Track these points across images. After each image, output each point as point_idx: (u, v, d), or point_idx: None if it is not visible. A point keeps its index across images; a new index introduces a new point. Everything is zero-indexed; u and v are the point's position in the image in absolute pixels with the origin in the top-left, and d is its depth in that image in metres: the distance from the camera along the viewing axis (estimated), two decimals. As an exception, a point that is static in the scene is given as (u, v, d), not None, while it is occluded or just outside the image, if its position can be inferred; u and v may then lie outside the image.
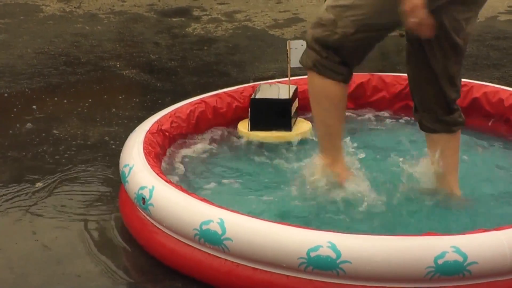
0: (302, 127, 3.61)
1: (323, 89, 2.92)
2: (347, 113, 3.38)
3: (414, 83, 3.02)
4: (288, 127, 3.54)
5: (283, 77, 3.96)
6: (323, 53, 2.89)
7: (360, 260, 2.47)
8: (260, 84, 3.72)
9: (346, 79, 2.93)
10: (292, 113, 3.58)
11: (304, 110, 3.65)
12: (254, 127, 3.54)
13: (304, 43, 3.24)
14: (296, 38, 5.29)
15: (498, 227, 2.57)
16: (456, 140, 3.03)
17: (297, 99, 3.65)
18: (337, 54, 2.89)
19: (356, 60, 2.93)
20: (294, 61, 3.47)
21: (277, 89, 3.64)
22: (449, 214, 2.95)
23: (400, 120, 3.73)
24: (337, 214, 2.91)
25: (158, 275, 2.76)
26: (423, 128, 3.04)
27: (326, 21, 2.88)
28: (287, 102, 3.54)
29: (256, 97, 3.59)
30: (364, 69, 4.40)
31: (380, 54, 5.13)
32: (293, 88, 3.63)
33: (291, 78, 3.64)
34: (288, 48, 3.52)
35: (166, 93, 4.36)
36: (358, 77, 3.81)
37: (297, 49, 3.48)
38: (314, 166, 3.05)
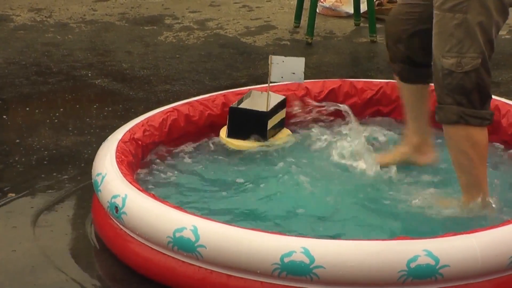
0: (281, 136, 3.60)
1: (471, 138, 2.95)
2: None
3: (412, 38, 3.19)
4: (264, 138, 3.54)
5: (255, 84, 3.97)
6: (464, 100, 2.91)
7: (333, 265, 2.49)
8: (251, 89, 3.70)
9: (491, 122, 3.01)
10: (274, 124, 3.57)
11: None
12: (230, 134, 3.55)
13: (285, 59, 3.45)
14: (268, 45, 5.31)
15: (469, 231, 2.60)
16: (428, 92, 3.28)
17: (284, 109, 3.63)
18: (475, 96, 2.92)
19: (490, 89, 2.99)
20: (275, 76, 3.53)
21: (265, 99, 3.59)
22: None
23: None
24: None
25: (132, 284, 2.75)
26: (404, 78, 3.26)
27: (449, 66, 2.90)
28: (265, 115, 3.53)
29: (239, 105, 3.58)
30: (335, 76, 4.44)
31: (351, 60, 5.16)
32: (279, 98, 3.63)
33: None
34: (269, 63, 3.53)
35: (139, 101, 4.36)
36: (330, 83, 3.83)
37: (278, 64, 3.52)
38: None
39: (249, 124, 3.54)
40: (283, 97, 3.66)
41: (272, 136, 3.59)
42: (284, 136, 3.61)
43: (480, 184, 2.99)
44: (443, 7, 2.89)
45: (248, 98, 3.66)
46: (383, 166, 3.27)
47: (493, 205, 2.99)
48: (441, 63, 2.90)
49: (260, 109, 3.56)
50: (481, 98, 2.93)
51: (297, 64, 3.54)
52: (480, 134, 2.94)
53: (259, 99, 3.65)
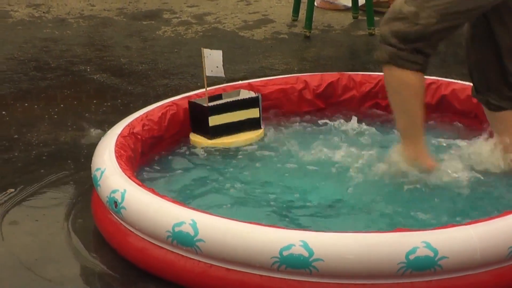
0: (246, 137, 3.52)
1: (402, 79, 2.98)
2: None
3: (478, 66, 3.17)
4: (206, 135, 3.47)
5: (253, 78, 3.97)
6: (401, 45, 2.94)
7: (333, 258, 2.49)
8: (241, 90, 3.65)
9: (424, 68, 3.00)
10: (225, 123, 3.48)
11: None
12: (193, 129, 3.54)
13: (215, 52, 3.39)
14: (266, 39, 5.31)
15: (467, 222, 2.60)
16: None
17: (254, 109, 3.55)
18: (415, 45, 2.93)
19: (433, 49, 2.99)
20: (208, 69, 3.46)
21: (237, 95, 3.58)
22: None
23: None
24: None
25: (131, 278, 2.76)
26: (490, 107, 3.20)
27: (407, 13, 2.92)
28: (206, 110, 3.46)
29: (210, 101, 3.53)
30: (333, 69, 4.44)
31: (349, 53, 5.16)
32: (247, 95, 3.56)
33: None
34: (203, 56, 3.47)
35: (138, 96, 4.36)
36: (328, 76, 3.83)
37: (208, 58, 3.45)
38: (396, 159, 3.11)
39: (198, 119, 3.51)
40: (255, 95, 3.59)
41: (220, 135, 3.48)
42: (253, 136, 3.51)
43: (415, 127, 3.05)
44: None
45: (232, 96, 3.59)
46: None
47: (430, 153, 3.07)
48: (401, 7, 2.94)
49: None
50: (418, 50, 2.96)
51: (218, 57, 3.47)
52: (414, 77, 2.98)
53: (245, 93, 3.60)
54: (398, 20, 2.96)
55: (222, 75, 3.49)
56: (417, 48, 2.96)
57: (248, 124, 3.54)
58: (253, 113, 3.54)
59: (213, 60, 3.46)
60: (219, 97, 3.58)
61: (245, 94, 3.59)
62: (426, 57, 2.99)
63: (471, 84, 3.30)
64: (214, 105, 3.49)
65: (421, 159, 3.08)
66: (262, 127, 3.57)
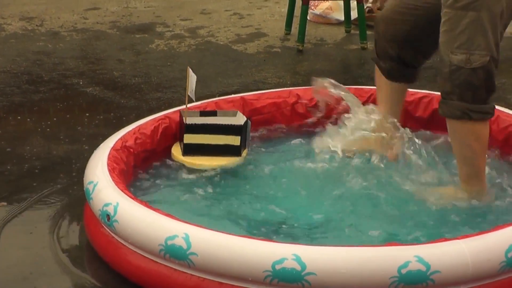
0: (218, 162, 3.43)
1: (474, 132, 3.02)
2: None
3: (413, 36, 3.24)
4: (182, 149, 3.44)
5: (246, 92, 3.98)
6: (468, 96, 2.96)
7: (325, 272, 2.49)
8: (238, 112, 3.58)
9: (491, 115, 3.06)
10: (203, 143, 3.42)
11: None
12: (179, 138, 3.53)
13: (193, 75, 3.40)
14: (259, 52, 5.33)
15: (459, 236, 2.61)
16: (406, 89, 3.37)
17: (238, 136, 3.43)
18: (481, 91, 2.97)
19: (495, 85, 3.04)
20: (190, 89, 3.45)
21: (231, 116, 3.54)
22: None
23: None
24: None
25: (124, 292, 2.76)
26: (390, 76, 3.31)
27: (458, 63, 2.94)
28: (186, 127, 3.44)
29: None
30: (326, 83, 4.45)
31: (342, 67, 5.18)
32: (235, 121, 3.47)
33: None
34: (188, 75, 3.45)
35: (131, 109, 4.36)
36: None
37: (191, 77, 3.45)
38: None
39: (181, 130, 3.48)
40: (241, 122, 3.46)
41: (194, 154, 3.42)
42: (227, 163, 3.41)
43: (480, 175, 3.08)
44: (456, 5, 2.93)
45: (227, 115, 3.55)
46: (349, 153, 3.31)
47: (491, 195, 3.09)
48: (450, 59, 2.95)
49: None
50: (486, 94, 2.99)
51: (194, 80, 3.48)
52: (483, 127, 3.03)
53: (234, 118, 3.53)
54: (454, 72, 2.94)
55: (193, 99, 3.49)
56: (484, 95, 2.97)
57: (226, 149, 3.43)
58: (233, 140, 3.43)
59: (191, 82, 3.47)
60: (213, 113, 3.56)
61: (239, 118, 3.52)
62: (491, 102, 3.01)
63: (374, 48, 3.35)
64: (192, 124, 3.44)
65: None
66: (242, 154, 3.44)
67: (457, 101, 2.97)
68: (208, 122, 3.46)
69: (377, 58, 3.35)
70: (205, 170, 3.38)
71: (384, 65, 3.32)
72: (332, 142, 3.34)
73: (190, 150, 3.44)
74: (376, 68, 3.37)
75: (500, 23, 2.99)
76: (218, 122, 3.47)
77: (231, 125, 3.45)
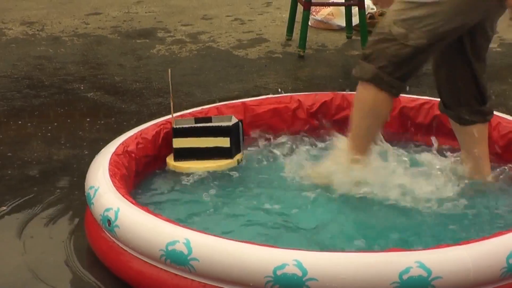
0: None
1: (377, 102, 3.03)
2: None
3: (448, 81, 3.23)
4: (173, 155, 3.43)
5: (247, 97, 3.98)
6: (387, 68, 2.97)
7: (326, 277, 2.49)
8: (232, 116, 3.54)
9: (398, 94, 3.06)
10: (191, 147, 3.40)
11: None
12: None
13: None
14: (260, 58, 5.33)
15: (461, 242, 2.61)
16: (487, 128, 3.31)
17: (227, 138, 3.41)
18: (400, 68, 2.97)
19: (416, 72, 3.04)
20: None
21: (227, 121, 3.48)
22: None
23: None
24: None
25: (124, 297, 2.75)
26: (461, 121, 3.26)
27: (396, 35, 2.95)
28: (173, 131, 3.43)
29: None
30: (327, 88, 4.45)
31: (343, 73, 5.18)
32: (223, 123, 3.44)
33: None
34: (169, 76, 3.44)
35: (132, 114, 4.36)
36: (322, 96, 3.84)
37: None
38: (338, 162, 3.14)
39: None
40: (230, 123, 3.42)
41: (185, 159, 3.39)
42: (221, 164, 3.39)
43: (369, 145, 3.11)
44: None
45: (223, 120, 3.50)
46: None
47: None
48: (390, 28, 2.97)
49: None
50: (403, 74, 3.01)
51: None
52: (387, 101, 3.04)
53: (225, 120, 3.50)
54: (387, 41, 2.98)
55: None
56: (402, 73, 2.99)
57: (217, 152, 3.40)
58: (223, 142, 3.39)
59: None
60: (207, 120, 3.51)
61: (230, 121, 3.48)
62: (404, 83, 3.03)
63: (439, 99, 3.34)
64: (179, 127, 3.42)
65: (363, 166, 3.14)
66: (236, 157, 3.42)
67: (374, 66, 2.98)
68: (196, 125, 3.44)
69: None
70: (204, 175, 3.37)
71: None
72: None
73: (181, 155, 3.42)
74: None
75: (459, 20, 2.98)
76: (205, 124, 3.45)
77: (218, 126, 3.41)
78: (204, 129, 3.42)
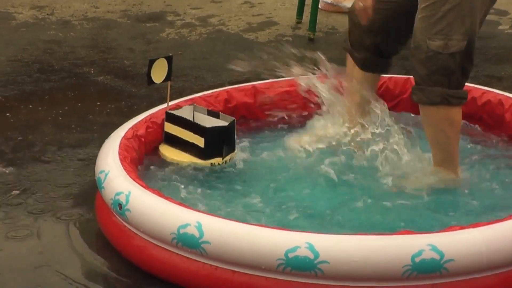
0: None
1: (449, 117, 3.04)
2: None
3: (388, 26, 3.25)
4: None
5: (257, 81, 3.96)
6: (445, 82, 2.97)
7: (338, 260, 2.48)
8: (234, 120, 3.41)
9: (466, 99, 3.09)
10: (178, 139, 3.36)
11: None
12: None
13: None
14: (270, 41, 5.31)
15: (473, 224, 2.60)
16: (378, 78, 3.40)
17: (203, 139, 3.29)
18: (456, 76, 2.98)
19: (470, 72, 3.07)
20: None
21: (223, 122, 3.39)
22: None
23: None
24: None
25: (136, 281, 2.75)
26: (363, 66, 3.32)
27: (436, 48, 2.96)
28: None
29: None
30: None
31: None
32: (212, 122, 3.36)
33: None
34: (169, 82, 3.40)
35: (142, 98, 4.35)
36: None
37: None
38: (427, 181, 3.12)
39: None
40: (215, 124, 3.33)
41: (171, 145, 3.36)
42: (198, 162, 3.30)
43: (454, 159, 3.10)
44: None
45: (226, 119, 3.40)
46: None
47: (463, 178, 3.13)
48: (427, 45, 2.95)
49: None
50: (462, 79, 3.01)
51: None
52: (458, 113, 3.05)
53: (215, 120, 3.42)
54: (431, 58, 2.95)
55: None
56: (460, 79, 2.99)
57: (193, 149, 3.31)
58: (198, 141, 3.30)
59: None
60: (216, 114, 3.43)
61: (217, 122, 3.38)
62: (464, 89, 3.03)
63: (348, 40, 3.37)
64: (171, 113, 3.38)
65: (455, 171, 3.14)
66: (208, 159, 3.28)
67: (433, 86, 2.97)
68: (183, 116, 3.38)
69: (351, 48, 3.34)
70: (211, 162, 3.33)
71: (359, 55, 3.32)
72: (302, 140, 3.34)
73: (168, 139, 3.40)
74: (348, 58, 3.37)
75: (481, 9, 3.00)
76: (189, 119, 3.38)
77: (197, 124, 3.33)
78: (186, 122, 3.36)
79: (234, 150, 3.37)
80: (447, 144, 3.07)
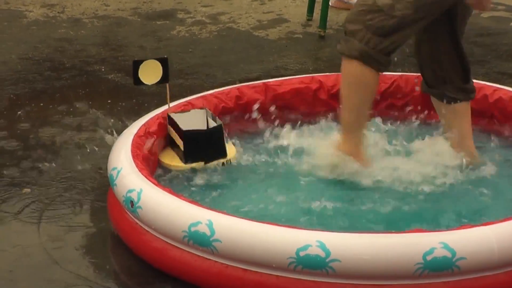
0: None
1: (364, 78, 3.00)
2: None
3: (432, 59, 3.19)
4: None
5: (267, 78, 3.96)
6: (372, 41, 2.93)
7: (349, 258, 2.48)
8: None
9: (384, 70, 3.04)
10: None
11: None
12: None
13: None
14: (280, 38, 5.30)
15: (485, 223, 2.59)
16: (469, 106, 3.28)
17: (181, 142, 3.27)
18: (385, 41, 2.94)
19: (399, 47, 3.01)
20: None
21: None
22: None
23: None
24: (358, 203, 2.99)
25: (148, 278, 2.76)
26: (446, 100, 3.23)
27: (382, 6, 2.92)
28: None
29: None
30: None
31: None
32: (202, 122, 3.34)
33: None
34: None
35: (153, 96, 4.36)
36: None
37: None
38: (330, 154, 3.10)
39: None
40: (193, 127, 3.27)
41: (169, 145, 3.34)
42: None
43: (362, 124, 3.09)
44: None
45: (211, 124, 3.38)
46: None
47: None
48: (374, 0, 2.93)
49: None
50: (389, 47, 2.98)
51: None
52: (374, 76, 3.01)
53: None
54: (372, 12, 2.95)
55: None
56: (386, 46, 2.96)
57: (180, 152, 3.29)
58: (180, 144, 3.28)
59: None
60: (214, 119, 3.38)
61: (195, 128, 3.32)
62: (389, 58, 3.01)
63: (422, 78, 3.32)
64: (170, 115, 3.35)
65: (356, 156, 3.10)
66: (187, 163, 3.24)
67: (359, 41, 2.96)
68: (175, 118, 3.35)
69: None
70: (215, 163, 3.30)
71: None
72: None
73: (170, 141, 3.39)
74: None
75: (439, 3, 2.97)
76: (179, 120, 3.33)
77: (178, 126, 3.29)
78: (176, 126, 3.33)
79: (223, 156, 3.28)
80: (357, 106, 3.05)
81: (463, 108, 3.26)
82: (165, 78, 3.38)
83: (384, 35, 2.95)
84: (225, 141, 3.31)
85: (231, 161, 3.31)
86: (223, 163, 3.28)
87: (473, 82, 3.29)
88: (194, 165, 3.26)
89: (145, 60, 3.35)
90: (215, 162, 3.28)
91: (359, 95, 3.04)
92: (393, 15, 2.92)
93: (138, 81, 3.35)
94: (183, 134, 3.27)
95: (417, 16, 2.95)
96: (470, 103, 3.39)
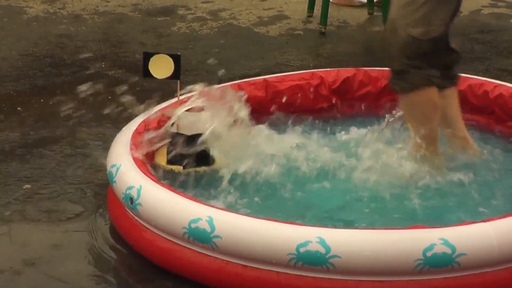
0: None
1: (427, 98, 3.03)
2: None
3: None
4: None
5: (268, 75, 3.96)
6: (424, 64, 2.98)
7: (349, 255, 2.48)
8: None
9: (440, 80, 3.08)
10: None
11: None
12: None
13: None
14: (281, 35, 5.30)
15: (485, 219, 2.59)
16: (457, 92, 3.27)
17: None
18: (425, 58, 2.99)
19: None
20: None
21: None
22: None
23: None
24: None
25: (148, 275, 2.76)
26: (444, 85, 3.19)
27: (417, 36, 2.95)
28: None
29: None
30: (349, 65, 4.42)
31: (365, 49, 5.14)
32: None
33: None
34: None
35: (153, 92, 4.34)
36: (344, 72, 3.81)
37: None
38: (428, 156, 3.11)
39: None
40: (178, 132, 3.18)
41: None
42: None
43: (435, 141, 3.11)
44: None
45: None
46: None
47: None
48: (407, 32, 2.94)
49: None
50: (435, 60, 3.01)
51: None
52: (436, 93, 3.05)
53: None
54: (410, 45, 2.96)
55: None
56: (435, 61, 3.01)
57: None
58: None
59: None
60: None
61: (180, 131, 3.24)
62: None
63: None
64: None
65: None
66: (168, 163, 3.17)
67: (415, 71, 2.97)
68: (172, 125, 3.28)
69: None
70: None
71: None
72: None
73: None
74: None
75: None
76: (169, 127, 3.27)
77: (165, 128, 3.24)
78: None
79: (206, 164, 3.17)
80: (429, 125, 3.06)
81: (450, 94, 3.27)
82: (176, 75, 3.35)
83: (428, 54, 2.98)
84: (209, 151, 3.18)
85: (219, 171, 3.14)
86: (201, 171, 3.16)
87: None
88: (173, 167, 3.19)
89: (156, 53, 3.31)
90: (192, 169, 3.15)
91: (435, 117, 3.07)
92: (430, 38, 2.96)
93: (147, 73, 3.30)
94: (170, 134, 3.22)
95: (448, 24, 3.02)
96: (471, 99, 3.40)
